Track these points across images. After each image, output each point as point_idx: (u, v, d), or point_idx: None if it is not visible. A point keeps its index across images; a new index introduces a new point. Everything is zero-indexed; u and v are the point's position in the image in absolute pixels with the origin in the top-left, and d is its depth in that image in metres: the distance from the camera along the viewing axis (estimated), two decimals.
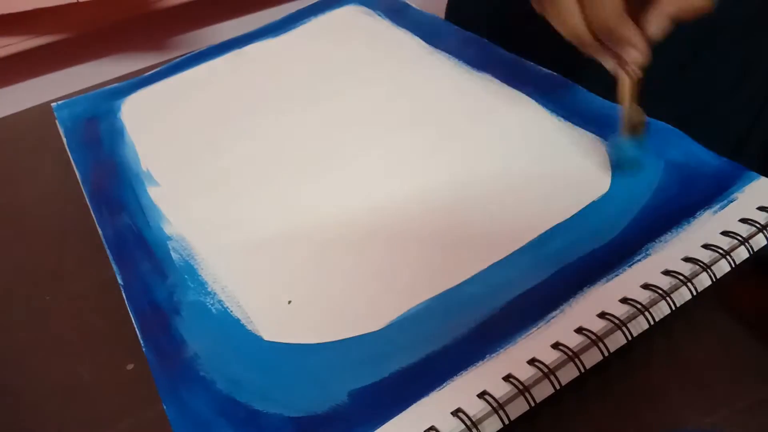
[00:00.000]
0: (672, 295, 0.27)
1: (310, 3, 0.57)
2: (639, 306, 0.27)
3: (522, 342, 0.26)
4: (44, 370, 0.32)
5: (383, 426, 0.25)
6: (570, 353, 0.26)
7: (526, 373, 0.25)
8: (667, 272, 0.28)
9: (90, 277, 0.36)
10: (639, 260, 0.29)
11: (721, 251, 0.28)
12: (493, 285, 0.29)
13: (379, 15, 0.53)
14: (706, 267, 0.28)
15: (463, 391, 0.25)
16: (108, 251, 0.36)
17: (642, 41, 0.31)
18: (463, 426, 0.24)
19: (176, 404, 0.27)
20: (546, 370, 0.25)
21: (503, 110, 0.40)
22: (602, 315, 0.27)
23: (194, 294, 0.32)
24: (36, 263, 0.38)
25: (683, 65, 0.45)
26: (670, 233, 0.30)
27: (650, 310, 0.27)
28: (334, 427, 0.25)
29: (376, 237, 0.33)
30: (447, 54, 0.46)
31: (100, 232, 0.37)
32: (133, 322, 0.31)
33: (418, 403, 0.25)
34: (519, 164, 0.36)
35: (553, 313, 0.27)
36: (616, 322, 0.26)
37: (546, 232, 0.31)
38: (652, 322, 0.27)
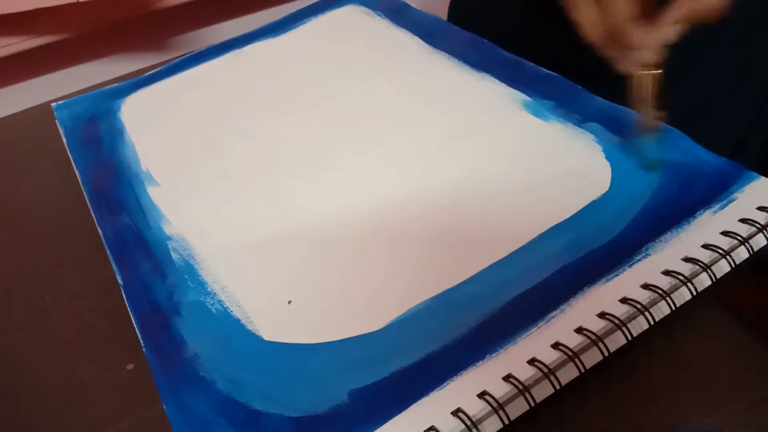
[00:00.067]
0: (672, 295, 0.27)
1: (310, 3, 0.57)
2: (639, 306, 0.27)
3: (522, 342, 0.26)
4: (44, 370, 0.32)
5: (383, 426, 0.25)
6: (570, 353, 0.26)
7: (526, 373, 0.25)
8: (667, 272, 0.28)
9: (90, 277, 0.36)
10: (639, 260, 0.29)
11: (721, 251, 0.28)
12: (493, 285, 0.29)
13: (379, 15, 0.53)
14: (706, 267, 0.28)
15: (463, 391, 0.25)
16: (108, 251, 0.36)
17: (654, 44, 0.31)
18: (463, 426, 0.24)
19: (176, 404, 0.27)
20: (546, 370, 0.25)
21: (503, 111, 0.40)
22: (602, 315, 0.27)
23: (194, 294, 0.32)
24: (36, 263, 0.38)
25: (683, 65, 0.45)
26: (670, 233, 0.30)
27: (650, 310, 0.27)
28: (334, 427, 0.25)
29: (376, 237, 0.33)
30: (447, 54, 0.46)
31: (100, 232, 0.37)
32: (133, 322, 0.31)
33: (418, 403, 0.25)
34: (519, 164, 0.36)
35: (553, 313, 0.27)
36: (616, 322, 0.26)
37: (546, 232, 0.31)
38: (652, 322, 0.27)
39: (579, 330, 0.26)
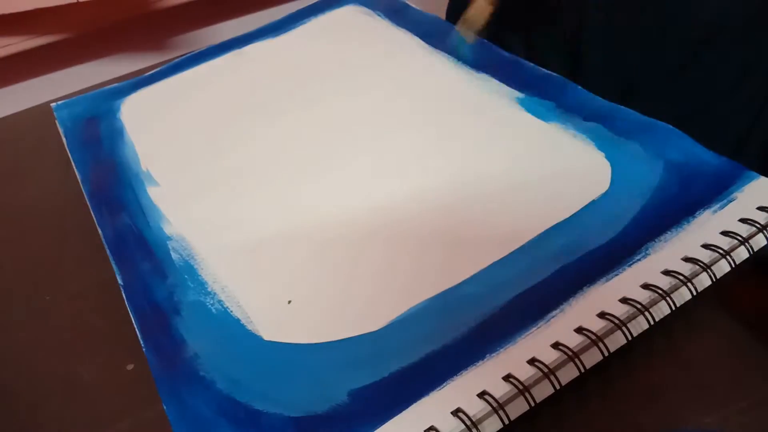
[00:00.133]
0: (672, 295, 0.27)
1: (310, 3, 0.57)
2: (639, 306, 0.27)
3: (522, 342, 0.26)
4: (44, 370, 0.32)
5: (383, 426, 0.25)
6: (570, 353, 0.26)
7: (526, 373, 0.25)
8: (667, 272, 0.28)
9: (90, 277, 0.36)
10: (639, 260, 0.29)
11: (721, 251, 0.28)
12: (493, 285, 0.29)
13: (379, 15, 0.53)
14: (706, 267, 0.28)
15: (463, 391, 0.25)
16: (108, 251, 0.36)
17: None
18: (463, 426, 0.24)
19: (176, 404, 0.27)
20: (546, 370, 0.25)
21: (503, 110, 0.40)
22: (602, 315, 0.27)
23: (194, 294, 0.32)
24: (36, 263, 0.38)
25: (683, 65, 0.45)
26: (669, 233, 0.30)
27: (650, 310, 0.27)
28: (334, 427, 0.25)
29: (375, 237, 0.33)
30: (447, 54, 0.46)
31: (100, 232, 0.37)
32: (133, 322, 0.31)
33: (418, 403, 0.25)
34: (518, 164, 0.36)
35: (553, 313, 0.27)
36: (616, 322, 0.26)
37: (546, 232, 0.31)
38: (652, 322, 0.27)
39: (579, 330, 0.26)
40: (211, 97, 0.47)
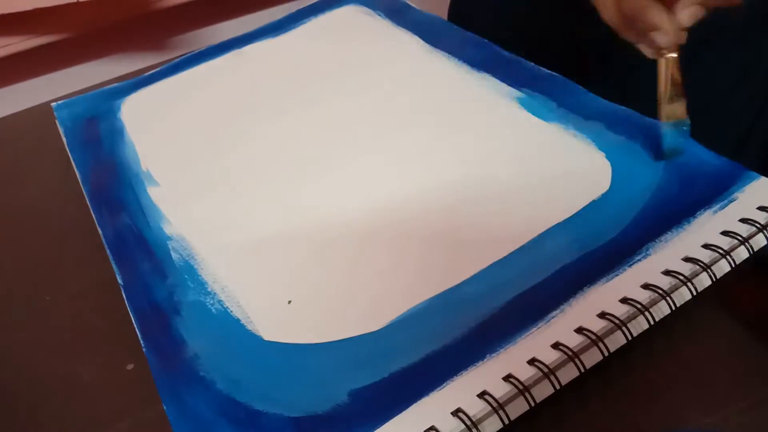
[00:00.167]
0: (672, 295, 0.27)
1: (310, 3, 0.57)
2: (639, 306, 0.27)
3: (522, 342, 0.26)
4: (44, 370, 0.32)
5: (383, 426, 0.25)
6: (570, 353, 0.26)
7: (526, 373, 0.25)
8: (667, 272, 0.28)
9: (90, 277, 0.36)
10: (639, 260, 0.29)
11: (721, 251, 0.28)
12: (493, 285, 0.29)
13: (379, 15, 0.53)
14: (706, 267, 0.28)
15: (463, 391, 0.25)
16: (108, 251, 0.36)
17: (671, 26, 0.31)
18: (463, 426, 0.24)
19: (176, 404, 0.27)
20: (546, 370, 0.25)
21: (503, 110, 0.40)
22: (602, 315, 0.27)
23: (194, 294, 0.32)
24: (36, 263, 0.38)
25: (683, 65, 0.45)
26: (670, 233, 0.30)
27: (650, 310, 0.27)
28: (334, 427, 0.25)
29: (376, 237, 0.33)
30: (447, 54, 0.46)
31: (100, 232, 0.37)
32: (133, 322, 0.31)
33: (418, 403, 0.25)
34: (519, 164, 0.36)
35: (553, 313, 0.27)
36: (616, 322, 0.26)
37: (546, 232, 0.31)
38: (652, 322, 0.27)
39: (579, 330, 0.26)
40: (211, 97, 0.47)
